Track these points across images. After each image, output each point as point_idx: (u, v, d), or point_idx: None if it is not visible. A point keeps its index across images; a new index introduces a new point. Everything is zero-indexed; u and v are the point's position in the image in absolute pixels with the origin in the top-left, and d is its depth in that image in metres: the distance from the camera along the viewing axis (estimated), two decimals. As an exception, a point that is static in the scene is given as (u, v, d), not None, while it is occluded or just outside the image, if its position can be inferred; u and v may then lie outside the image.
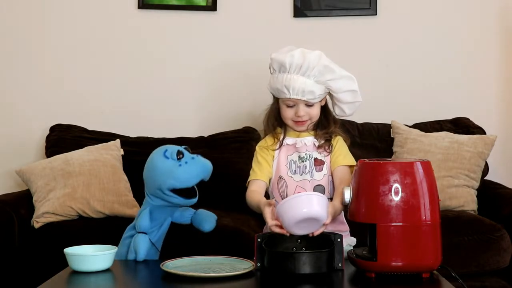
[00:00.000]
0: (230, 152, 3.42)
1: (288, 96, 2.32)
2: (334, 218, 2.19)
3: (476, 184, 3.25)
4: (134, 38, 3.70)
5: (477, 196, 3.22)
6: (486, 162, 3.33)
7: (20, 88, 3.67)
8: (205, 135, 3.62)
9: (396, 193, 2.01)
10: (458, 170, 3.22)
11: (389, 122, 3.55)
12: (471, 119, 3.57)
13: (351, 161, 2.37)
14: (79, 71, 3.69)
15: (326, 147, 2.39)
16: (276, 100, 2.41)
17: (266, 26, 3.69)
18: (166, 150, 2.37)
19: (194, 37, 3.71)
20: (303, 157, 2.37)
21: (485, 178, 3.38)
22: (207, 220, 2.44)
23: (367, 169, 2.08)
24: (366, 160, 2.12)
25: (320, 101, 2.38)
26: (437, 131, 3.46)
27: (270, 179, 2.41)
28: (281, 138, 2.42)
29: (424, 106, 3.69)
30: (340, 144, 2.40)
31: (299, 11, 3.69)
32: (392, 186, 2.01)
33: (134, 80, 3.71)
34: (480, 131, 3.49)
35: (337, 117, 2.45)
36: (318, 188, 2.33)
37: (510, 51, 3.69)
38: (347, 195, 2.10)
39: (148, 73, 3.71)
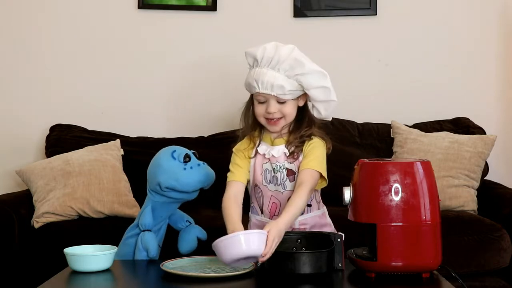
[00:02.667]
0: (230, 152, 3.42)
1: (257, 90, 2.22)
2: (282, 234, 2.07)
3: (476, 184, 3.25)
4: (134, 38, 3.70)
5: (477, 196, 3.22)
6: (486, 162, 3.33)
7: (20, 88, 3.67)
8: (205, 135, 3.62)
9: (396, 193, 2.01)
10: (458, 170, 3.22)
11: (389, 122, 3.55)
12: (471, 119, 3.57)
13: (318, 165, 2.22)
14: (79, 71, 3.69)
15: (295, 154, 2.27)
16: (251, 97, 2.32)
17: (266, 26, 3.69)
18: (174, 151, 2.38)
19: (194, 37, 3.71)
20: (275, 168, 2.29)
21: (485, 178, 3.38)
22: (189, 241, 2.42)
23: (367, 169, 2.08)
24: (366, 160, 2.12)
25: (297, 100, 2.27)
26: (437, 131, 3.46)
27: (248, 181, 2.33)
28: (256, 143, 2.32)
29: (424, 106, 3.69)
30: (312, 147, 2.26)
31: (299, 11, 3.69)
32: (392, 186, 2.01)
33: (134, 80, 3.71)
34: (480, 131, 3.49)
35: (317, 119, 2.32)
36: None
37: (510, 51, 3.69)
38: (347, 195, 2.10)
39: (148, 73, 3.71)
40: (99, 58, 3.70)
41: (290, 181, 2.28)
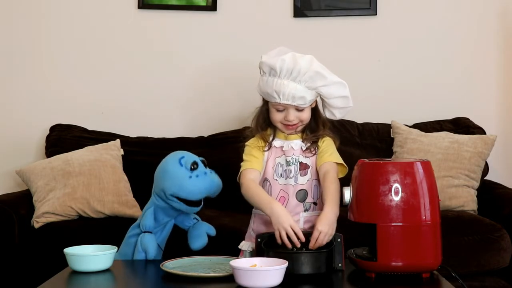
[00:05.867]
0: (230, 152, 3.42)
1: (278, 101, 2.27)
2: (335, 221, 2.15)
3: (476, 184, 3.25)
4: (134, 38, 3.70)
5: (477, 196, 3.22)
6: (486, 162, 3.33)
7: (20, 88, 3.68)
8: (205, 135, 3.62)
9: (396, 193, 2.01)
10: (458, 170, 3.22)
11: (389, 122, 3.55)
12: (471, 119, 3.57)
13: (337, 158, 2.33)
14: (79, 71, 3.69)
15: (312, 149, 2.35)
16: (266, 102, 2.36)
17: (266, 26, 3.69)
18: (182, 157, 2.36)
19: (194, 37, 3.71)
20: (289, 161, 2.34)
21: (485, 178, 3.38)
22: (199, 237, 2.42)
23: (367, 169, 2.08)
24: (366, 160, 2.12)
25: (311, 104, 2.34)
26: (437, 131, 3.46)
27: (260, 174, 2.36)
28: (270, 139, 2.37)
29: (424, 106, 3.69)
30: (326, 144, 2.36)
31: (299, 11, 3.69)
32: (392, 186, 2.01)
33: (134, 80, 3.71)
34: (480, 131, 3.49)
35: (326, 119, 2.41)
36: (301, 193, 2.30)
37: (510, 51, 3.69)
38: (347, 195, 2.10)
39: (148, 73, 3.71)
40: (99, 58, 3.70)
41: (301, 175, 2.33)
